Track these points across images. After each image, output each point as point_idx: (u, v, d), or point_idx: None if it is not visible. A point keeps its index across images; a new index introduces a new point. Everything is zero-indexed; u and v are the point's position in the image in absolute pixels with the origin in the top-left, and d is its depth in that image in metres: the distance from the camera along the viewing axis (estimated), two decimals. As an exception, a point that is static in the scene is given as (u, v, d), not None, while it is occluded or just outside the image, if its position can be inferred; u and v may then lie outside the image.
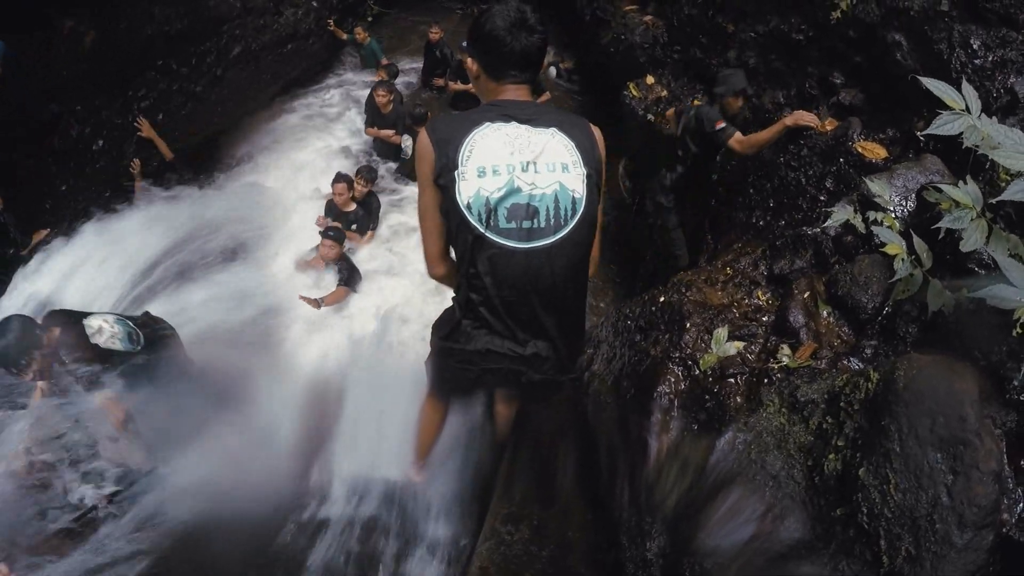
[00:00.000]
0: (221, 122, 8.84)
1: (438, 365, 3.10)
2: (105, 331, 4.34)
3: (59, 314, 4.48)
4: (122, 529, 4.32)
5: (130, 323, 4.52)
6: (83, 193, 6.95)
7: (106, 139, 7.09)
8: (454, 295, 2.76)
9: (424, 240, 2.70)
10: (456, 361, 2.83)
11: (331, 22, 10.75)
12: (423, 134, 2.52)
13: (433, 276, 2.84)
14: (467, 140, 2.44)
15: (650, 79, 7.09)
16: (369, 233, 7.86)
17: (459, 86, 9.88)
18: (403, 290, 7.21)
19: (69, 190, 6.81)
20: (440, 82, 10.50)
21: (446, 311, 2.91)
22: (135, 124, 7.46)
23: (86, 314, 4.46)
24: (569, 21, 10.78)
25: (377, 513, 4.23)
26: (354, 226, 7.70)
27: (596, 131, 2.64)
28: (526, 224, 2.45)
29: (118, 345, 4.37)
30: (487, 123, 2.46)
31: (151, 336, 4.67)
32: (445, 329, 2.81)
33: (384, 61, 10.54)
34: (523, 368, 2.72)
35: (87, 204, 6.95)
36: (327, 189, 7.83)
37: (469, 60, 2.64)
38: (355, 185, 7.64)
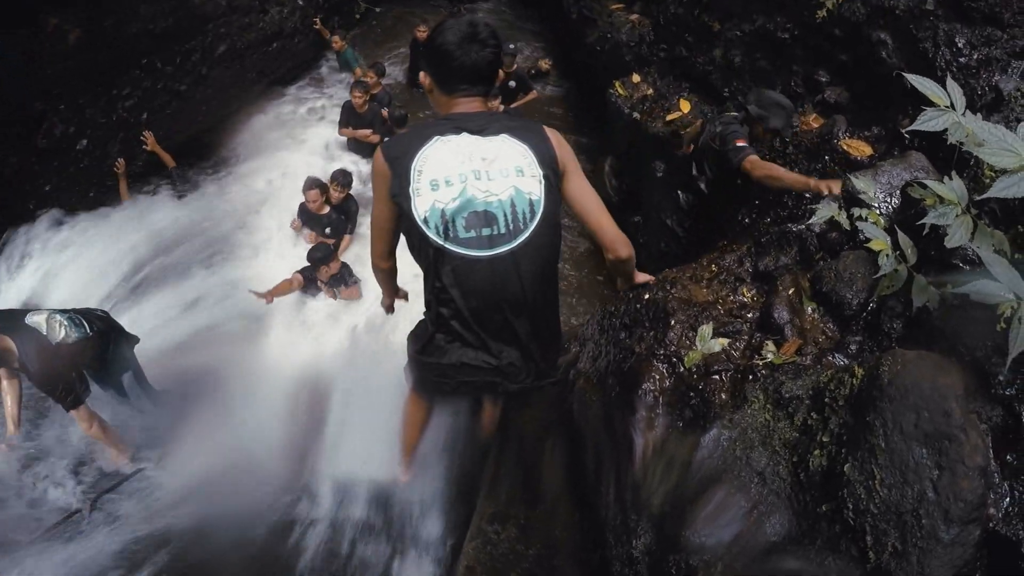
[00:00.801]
0: (205, 121, 8.81)
1: (416, 376, 3.13)
2: (52, 324, 4.35)
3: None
4: (106, 530, 4.30)
5: (66, 312, 4.56)
6: (66, 193, 6.90)
7: (90, 138, 7.05)
8: (425, 310, 2.79)
9: (372, 240, 2.79)
10: (432, 375, 2.86)
11: (317, 21, 10.71)
12: (378, 153, 2.55)
13: (376, 269, 3.00)
14: (418, 155, 2.46)
15: (636, 77, 7.10)
16: (346, 238, 7.78)
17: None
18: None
19: (53, 189, 6.76)
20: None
21: (420, 324, 2.94)
22: (141, 138, 7.56)
23: (24, 312, 4.48)
24: (555, 20, 10.80)
25: (363, 512, 4.23)
26: (328, 230, 7.62)
27: (551, 132, 2.66)
28: (485, 231, 2.46)
29: (73, 334, 4.41)
30: (437, 137, 2.48)
31: (95, 322, 4.71)
32: (419, 343, 2.83)
33: (358, 71, 10.48)
34: (498, 379, 2.74)
35: (70, 204, 6.90)
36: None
37: (422, 74, 2.68)
38: (330, 191, 7.57)
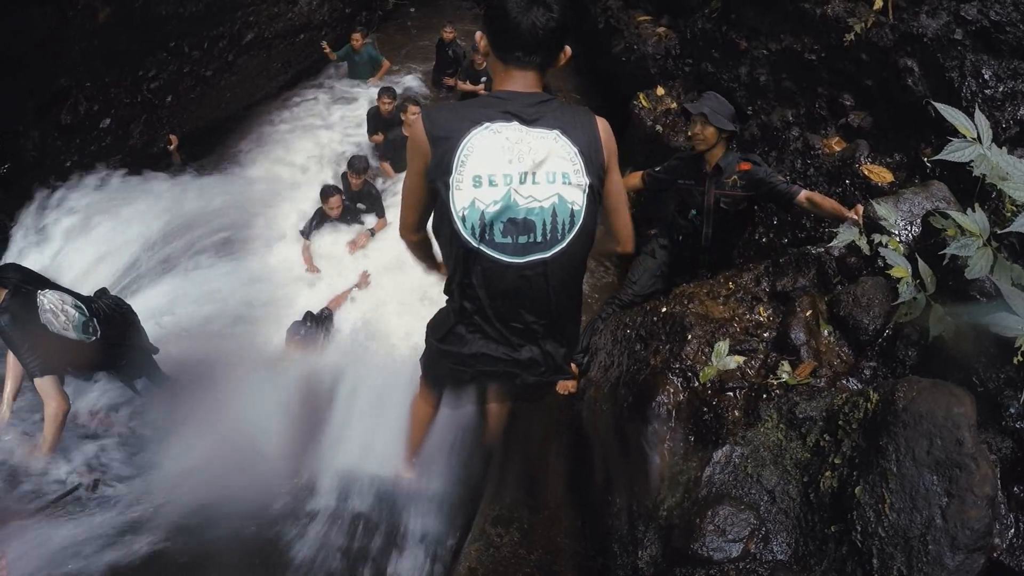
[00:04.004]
0: (229, 108, 8.85)
1: (433, 364, 3.10)
2: (60, 316, 4.17)
3: (12, 270, 4.30)
4: (105, 513, 4.30)
5: (85, 308, 4.38)
6: (88, 170, 6.93)
7: (114, 117, 7.09)
8: (447, 299, 2.74)
9: (402, 211, 2.66)
10: (451, 362, 2.82)
11: (325, 44, 10.35)
12: (419, 124, 2.39)
13: (405, 240, 2.86)
14: (464, 142, 2.31)
15: (660, 90, 7.12)
16: (379, 221, 7.76)
17: (468, 86, 9.85)
18: (396, 286, 7.20)
19: (73, 166, 6.80)
20: (450, 81, 10.49)
21: (441, 312, 2.88)
22: (167, 140, 7.56)
23: (42, 283, 4.31)
24: (581, 27, 10.81)
25: (366, 509, 4.22)
26: (360, 220, 7.75)
27: (602, 127, 2.48)
28: (522, 239, 2.38)
29: (72, 335, 4.23)
30: (487, 123, 2.31)
31: (110, 324, 4.53)
32: (440, 332, 2.79)
33: (385, 63, 10.44)
34: (517, 371, 2.71)
35: (91, 181, 6.94)
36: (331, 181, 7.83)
37: (478, 34, 2.57)
38: (349, 178, 7.57)
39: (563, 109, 2.43)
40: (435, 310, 2.95)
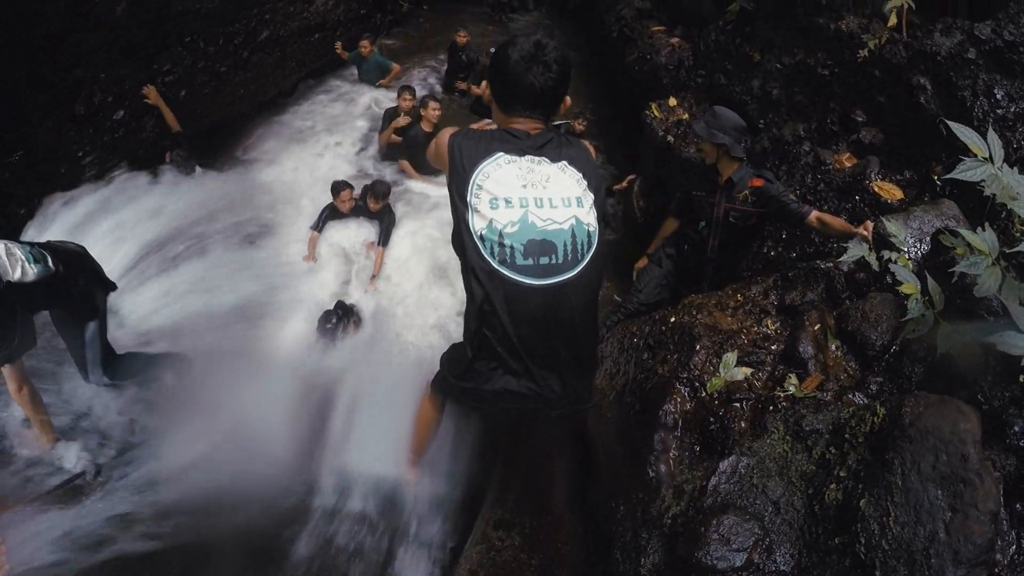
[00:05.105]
0: (242, 105, 8.86)
1: (452, 399, 3.09)
2: (10, 259, 3.70)
3: None
4: (107, 501, 4.31)
5: (29, 244, 3.92)
6: (100, 162, 6.96)
7: (128, 110, 7.11)
8: (464, 331, 2.70)
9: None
10: (471, 399, 2.79)
11: (339, 45, 10.43)
12: (447, 136, 2.53)
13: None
14: (480, 168, 2.43)
15: (672, 101, 7.14)
16: (380, 250, 7.59)
17: (481, 91, 9.87)
18: (403, 288, 7.22)
19: (86, 156, 6.82)
20: (463, 85, 10.51)
21: (456, 349, 2.87)
22: (142, 92, 7.25)
23: None
24: (594, 36, 10.83)
25: (368, 510, 4.23)
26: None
27: (592, 152, 2.69)
28: (543, 260, 2.42)
29: (32, 270, 3.77)
30: (501, 153, 2.45)
31: (63, 257, 4.10)
32: (458, 369, 2.75)
33: (395, 68, 10.46)
34: (541, 405, 2.67)
35: (103, 173, 6.96)
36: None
37: (484, 83, 2.67)
38: (368, 200, 7.53)
39: (564, 143, 2.59)
40: (445, 310, 2.97)
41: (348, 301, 6.75)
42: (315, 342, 6.37)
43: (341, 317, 6.43)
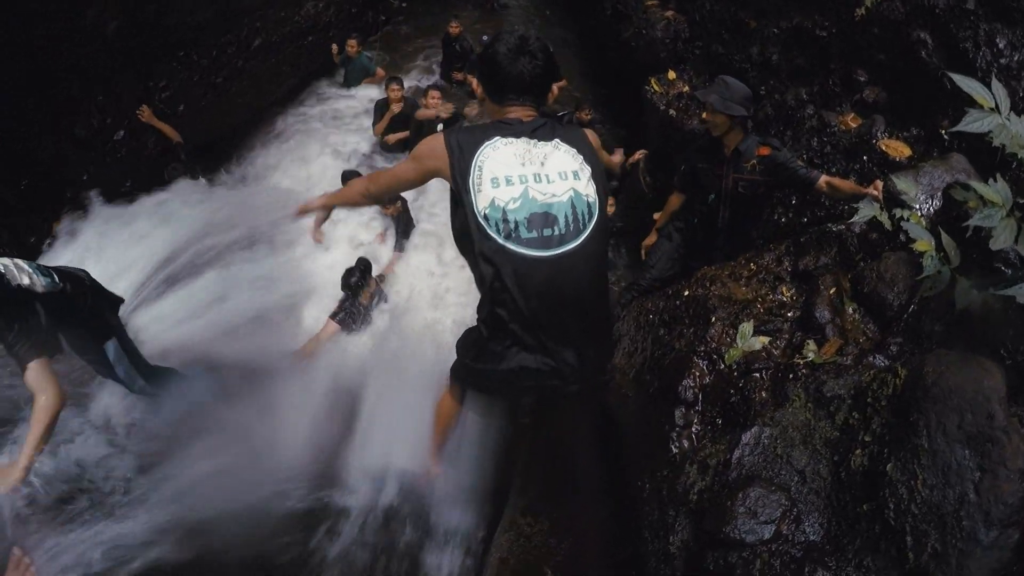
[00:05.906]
0: (241, 114, 8.87)
1: (469, 382, 3.13)
2: (17, 269, 3.57)
3: None
4: (134, 509, 4.33)
5: (32, 263, 3.77)
6: (104, 183, 6.97)
7: (127, 129, 7.13)
8: (477, 313, 2.77)
9: (381, 177, 2.99)
10: (488, 381, 2.86)
11: (335, 47, 10.32)
12: (439, 138, 2.62)
13: (353, 195, 3.16)
14: (479, 151, 2.52)
15: (672, 74, 7.09)
16: (395, 254, 7.60)
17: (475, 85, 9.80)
18: (422, 282, 7.23)
19: (90, 178, 6.84)
20: (459, 76, 10.46)
21: (470, 332, 2.94)
22: (136, 113, 7.27)
23: None
24: (588, 17, 10.76)
25: (395, 503, 4.24)
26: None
27: (592, 137, 2.76)
28: (547, 232, 2.49)
29: (40, 281, 3.66)
30: (497, 136, 2.55)
31: (66, 277, 3.97)
32: (473, 352, 2.82)
33: (380, 72, 10.40)
34: (558, 381, 2.70)
35: (107, 193, 6.97)
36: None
37: (475, 82, 2.75)
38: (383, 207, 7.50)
39: (556, 125, 2.70)
40: (463, 304, 2.98)
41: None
42: (340, 298, 6.54)
43: (364, 271, 6.53)
